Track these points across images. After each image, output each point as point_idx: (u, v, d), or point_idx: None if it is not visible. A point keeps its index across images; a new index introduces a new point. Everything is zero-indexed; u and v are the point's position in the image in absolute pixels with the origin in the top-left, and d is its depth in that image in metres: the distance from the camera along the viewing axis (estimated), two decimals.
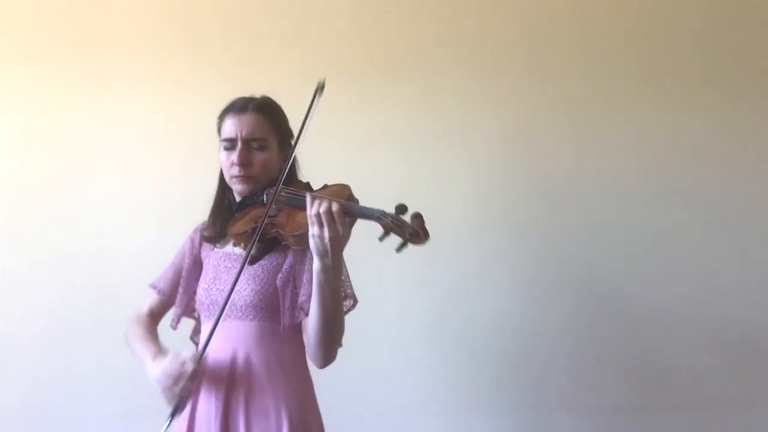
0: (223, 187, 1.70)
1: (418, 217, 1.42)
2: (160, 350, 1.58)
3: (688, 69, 2.43)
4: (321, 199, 1.42)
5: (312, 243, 1.42)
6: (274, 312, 1.56)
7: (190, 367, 1.45)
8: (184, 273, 1.71)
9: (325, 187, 1.58)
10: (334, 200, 1.42)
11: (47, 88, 2.41)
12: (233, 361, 1.55)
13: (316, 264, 1.43)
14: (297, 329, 1.58)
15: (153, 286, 1.73)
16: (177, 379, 1.45)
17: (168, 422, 1.45)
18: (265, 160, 1.60)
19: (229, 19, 2.43)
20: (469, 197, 2.40)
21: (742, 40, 2.44)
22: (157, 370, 1.49)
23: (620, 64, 2.43)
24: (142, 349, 1.61)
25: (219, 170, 1.72)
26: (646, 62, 2.43)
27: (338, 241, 1.41)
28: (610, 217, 2.40)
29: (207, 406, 1.54)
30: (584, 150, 2.41)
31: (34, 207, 2.38)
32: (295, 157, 1.65)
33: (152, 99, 2.40)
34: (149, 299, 1.75)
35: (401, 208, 1.41)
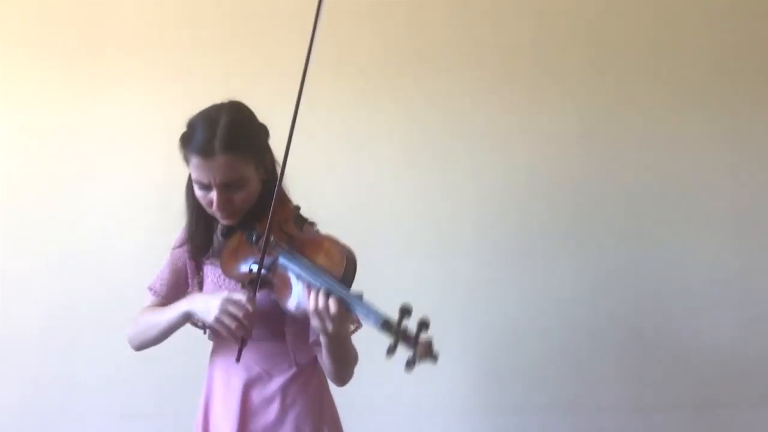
0: (197, 207, 1.61)
1: (423, 326, 1.37)
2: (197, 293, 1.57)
3: (694, 69, 2.43)
4: (317, 291, 1.36)
5: (314, 327, 1.40)
6: (278, 331, 1.55)
7: (242, 298, 1.42)
8: (189, 278, 1.68)
9: (317, 238, 1.52)
10: (332, 296, 1.35)
11: (47, 88, 2.41)
12: (248, 381, 1.54)
13: (321, 337, 1.43)
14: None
15: (150, 289, 1.68)
16: (233, 313, 1.41)
17: (238, 357, 1.42)
18: (245, 196, 1.49)
19: (229, 18, 2.43)
20: (471, 197, 2.39)
21: (749, 40, 2.44)
22: (215, 299, 1.43)
23: (626, 63, 2.43)
24: (171, 307, 1.55)
25: (187, 182, 1.64)
26: (651, 62, 2.43)
27: (340, 337, 1.43)
28: (613, 216, 2.40)
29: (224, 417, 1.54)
30: (589, 150, 2.41)
31: (34, 207, 2.38)
32: (275, 168, 1.56)
33: (152, 99, 2.40)
34: (147, 302, 1.71)
35: (405, 311, 1.35)
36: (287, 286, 1.44)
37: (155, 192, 2.38)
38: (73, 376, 2.34)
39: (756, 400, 2.37)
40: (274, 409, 1.53)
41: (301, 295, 1.40)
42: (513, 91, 2.42)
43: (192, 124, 1.53)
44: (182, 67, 2.40)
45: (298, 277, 1.42)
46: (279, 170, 1.49)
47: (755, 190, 2.42)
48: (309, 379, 1.58)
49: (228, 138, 1.44)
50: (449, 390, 2.36)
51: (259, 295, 1.46)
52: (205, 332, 1.72)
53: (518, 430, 2.36)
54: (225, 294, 1.43)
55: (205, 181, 1.47)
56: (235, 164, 1.45)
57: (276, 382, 1.54)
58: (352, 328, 1.53)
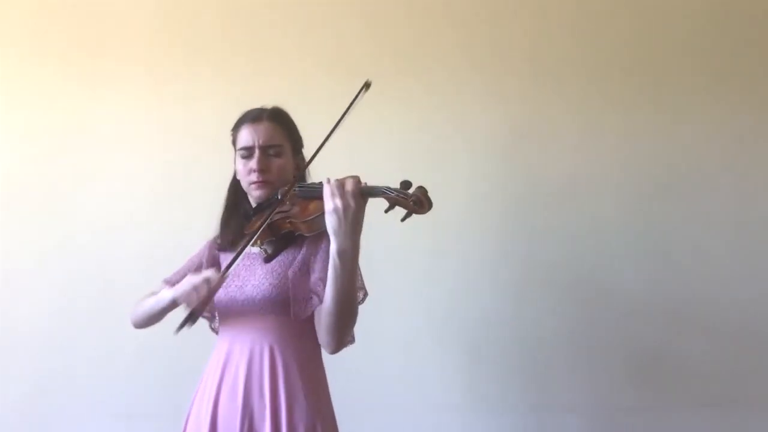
0: (238, 196, 1.76)
1: (421, 188, 1.50)
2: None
3: (689, 69, 2.43)
4: (329, 180, 1.50)
5: (328, 222, 1.46)
6: (288, 306, 1.60)
7: (210, 275, 1.50)
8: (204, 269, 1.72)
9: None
10: (347, 178, 1.50)
11: (47, 88, 2.41)
12: (251, 354, 1.59)
13: (333, 246, 1.47)
14: (313, 325, 1.61)
15: (166, 281, 1.73)
16: (198, 286, 1.49)
17: (179, 326, 1.45)
18: (281, 165, 1.68)
19: (229, 19, 2.43)
20: (470, 197, 2.39)
21: (742, 40, 2.44)
22: (181, 284, 1.53)
23: (621, 64, 2.42)
24: (161, 294, 1.62)
25: (230, 181, 1.76)
26: (647, 62, 2.43)
27: (353, 214, 1.45)
28: (611, 217, 2.39)
29: (230, 399, 1.58)
30: (585, 150, 2.41)
31: (35, 206, 2.38)
32: (306, 173, 1.72)
33: (152, 99, 2.40)
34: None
35: (406, 184, 1.50)
36: (305, 207, 1.59)
37: (155, 191, 2.39)
38: (73, 376, 2.34)
39: (756, 400, 2.36)
40: (277, 371, 1.57)
41: (317, 204, 1.52)
42: (512, 92, 2.41)
43: (242, 114, 1.74)
44: (182, 67, 2.40)
45: (314, 192, 1.56)
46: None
47: (755, 190, 2.41)
48: (309, 360, 1.62)
49: (274, 112, 1.72)
50: (447, 389, 2.36)
51: (275, 263, 1.61)
52: (211, 327, 1.76)
53: (517, 429, 2.36)
54: (193, 278, 1.52)
55: (251, 143, 1.67)
56: (278, 132, 1.69)
57: (280, 353, 1.58)
58: (360, 296, 1.59)
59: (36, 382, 2.34)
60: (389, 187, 1.48)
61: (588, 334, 2.37)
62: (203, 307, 1.49)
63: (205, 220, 1.79)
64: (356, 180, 1.49)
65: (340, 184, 1.47)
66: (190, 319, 1.45)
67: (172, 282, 1.70)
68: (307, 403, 1.57)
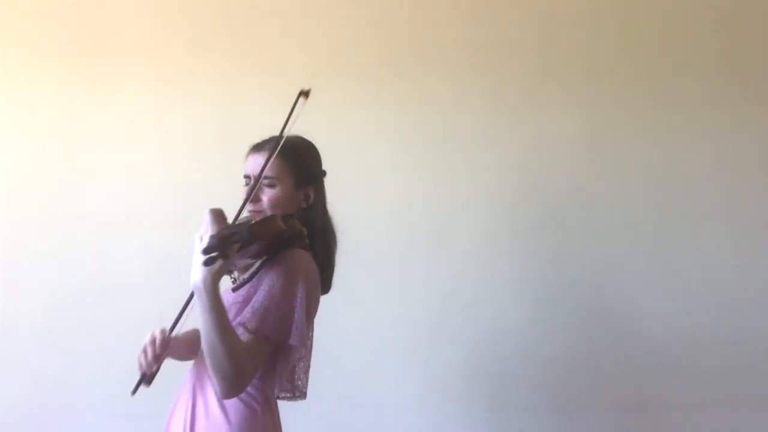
0: None
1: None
2: None
3: (695, 69, 2.43)
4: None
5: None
6: None
7: (156, 334, 1.54)
8: None
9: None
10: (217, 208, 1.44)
11: (47, 88, 2.41)
12: (193, 385, 1.61)
13: None
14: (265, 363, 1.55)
15: None
16: (145, 348, 1.55)
17: (134, 389, 1.50)
18: (273, 197, 1.62)
19: (228, 19, 2.43)
20: (471, 199, 2.39)
21: (743, 41, 2.44)
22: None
23: (626, 64, 2.43)
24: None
25: None
26: (652, 63, 2.43)
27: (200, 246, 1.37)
28: (614, 216, 2.40)
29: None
30: (589, 151, 2.41)
31: (34, 206, 2.38)
32: (316, 205, 1.67)
33: (152, 99, 2.40)
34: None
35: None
36: None
37: (155, 191, 2.39)
38: (73, 376, 2.34)
39: (756, 400, 2.37)
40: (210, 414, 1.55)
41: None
42: (512, 93, 2.41)
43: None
44: (182, 67, 2.40)
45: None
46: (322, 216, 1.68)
47: (755, 190, 2.42)
48: (235, 406, 1.54)
49: (283, 145, 1.61)
50: (446, 390, 2.36)
51: (237, 294, 1.57)
52: None
53: (517, 429, 2.36)
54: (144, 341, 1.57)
55: (248, 172, 1.65)
56: (275, 164, 1.62)
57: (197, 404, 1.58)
58: (295, 343, 1.49)
59: (36, 382, 2.34)
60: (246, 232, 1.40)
61: (588, 335, 2.38)
62: (152, 369, 1.52)
63: None
64: (217, 211, 1.42)
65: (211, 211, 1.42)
66: (143, 381, 1.50)
67: None
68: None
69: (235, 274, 1.66)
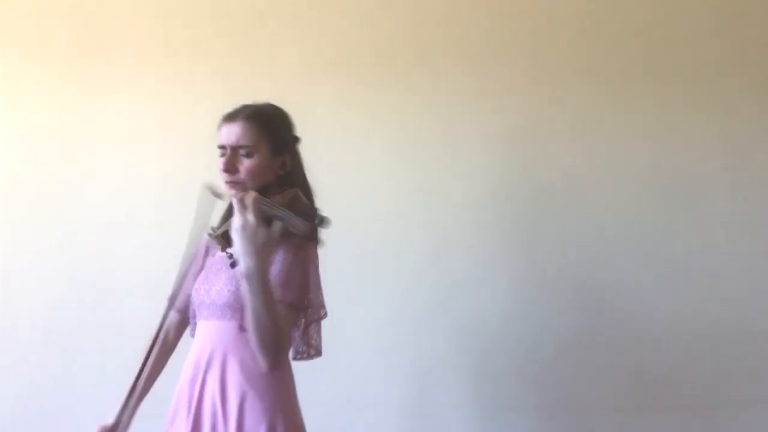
0: None
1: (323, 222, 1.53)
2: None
3: (692, 68, 2.43)
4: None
5: (235, 242, 1.49)
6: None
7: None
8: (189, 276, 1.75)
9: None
10: (254, 192, 1.51)
11: (47, 88, 2.41)
12: (210, 358, 1.61)
13: (241, 267, 1.49)
14: None
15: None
16: None
17: None
18: (251, 166, 1.64)
19: (229, 19, 2.43)
20: (469, 198, 2.39)
21: (742, 40, 2.44)
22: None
23: (623, 63, 2.42)
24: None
25: None
26: (648, 61, 2.43)
27: (251, 232, 1.47)
28: (611, 217, 2.39)
29: (183, 398, 1.64)
30: (586, 150, 2.41)
31: (34, 207, 2.38)
32: (296, 170, 1.71)
33: (152, 99, 2.40)
34: None
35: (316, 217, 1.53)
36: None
37: (155, 191, 2.39)
38: (73, 376, 2.34)
39: (756, 400, 2.36)
40: (234, 376, 1.58)
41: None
42: (508, 93, 2.41)
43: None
44: (182, 67, 2.40)
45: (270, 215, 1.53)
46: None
47: (755, 190, 2.41)
48: (260, 373, 1.58)
49: (252, 112, 1.66)
50: (445, 389, 2.36)
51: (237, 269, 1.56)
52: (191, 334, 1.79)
53: (516, 429, 2.36)
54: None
55: (223, 142, 1.65)
56: (251, 132, 1.64)
57: (237, 358, 1.58)
58: (322, 313, 1.62)
59: (36, 382, 2.34)
60: (287, 211, 1.50)
61: (587, 335, 2.37)
62: None
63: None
64: (254, 197, 1.50)
65: (240, 199, 1.49)
66: None
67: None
68: (262, 404, 1.56)
69: (231, 250, 1.64)
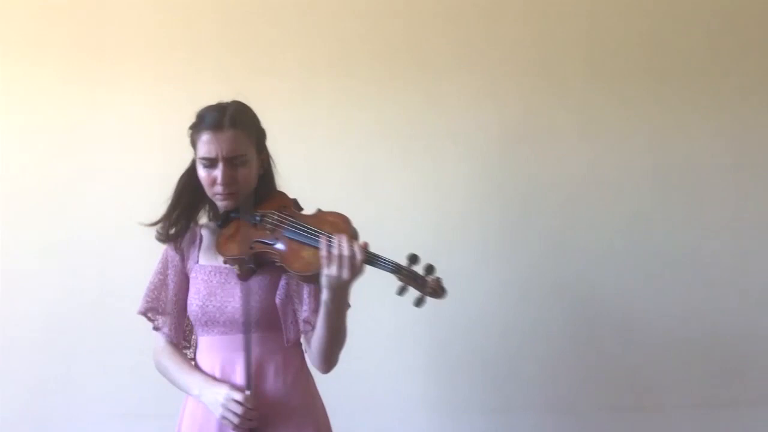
0: (196, 197, 1.70)
1: (431, 270, 1.50)
2: (206, 378, 1.60)
3: (696, 69, 2.43)
4: (339, 239, 1.46)
5: (326, 281, 1.46)
6: (271, 323, 1.59)
7: (235, 396, 1.51)
8: (174, 290, 1.70)
9: (320, 213, 1.60)
10: (356, 246, 1.45)
11: (47, 88, 2.41)
12: (232, 369, 1.59)
13: (325, 295, 1.48)
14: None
15: (150, 312, 1.72)
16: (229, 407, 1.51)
17: None
18: (247, 174, 1.59)
19: (228, 19, 2.43)
20: (468, 198, 2.39)
21: (743, 41, 2.44)
22: (219, 396, 1.53)
23: (623, 62, 2.43)
24: (186, 381, 1.63)
25: (186, 175, 1.73)
26: (652, 62, 2.43)
27: (354, 280, 1.46)
28: (611, 216, 2.40)
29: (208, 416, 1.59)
30: (586, 151, 2.41)
31: (34, 207, 2.38)
32: (271, 164, 1.69)
33: (152, 99, 2.40)
34: (159, 338, 1.73)
35: (413, 258, 1.47)
36: (296, 252, 1.51)
37: (155, 191, 2.38)
38: (73, 376, 2.34)
39: (756, 400, 2.37)
40: (269, 384, 1.58)
41: (313, 256, 1.47)
42: (509, 93, 2.41)
43: (201, 112, 1.63)
44: (181, 67, 2.40)
45: (308, 239, 1.50)
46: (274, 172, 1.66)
47: (755, 190, 2.42)
48: (299, 366, 1.63)
49: (237, 116, 1.57)
50: (438, 390, 2.36)
51: (252, 281, 1.55)
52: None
53: (515, 430, 2.36)
54: (225, 391, 1.52)
55: (213, 154, 1.56)
56: (241, 140, 1.56)
57: (268, 365, 1.58)
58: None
59: (36, 382, 2.35)
60: (399, 266, 1.46)
61: (583, 335, 2.38)
62: (256, 421, 1.51)
63: (204, 220, 1.79)
64: (364, 248, 1.46)
65: (351, 255, 1.44)
66: None
67: (157, 311, 1.69)
68: (308, 407, 1.60)
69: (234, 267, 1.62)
